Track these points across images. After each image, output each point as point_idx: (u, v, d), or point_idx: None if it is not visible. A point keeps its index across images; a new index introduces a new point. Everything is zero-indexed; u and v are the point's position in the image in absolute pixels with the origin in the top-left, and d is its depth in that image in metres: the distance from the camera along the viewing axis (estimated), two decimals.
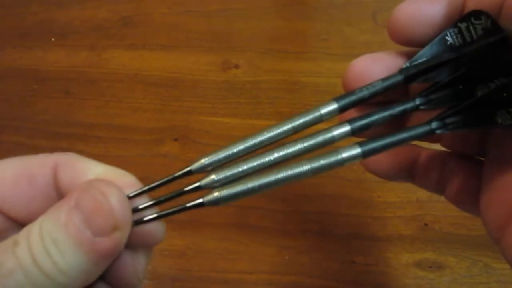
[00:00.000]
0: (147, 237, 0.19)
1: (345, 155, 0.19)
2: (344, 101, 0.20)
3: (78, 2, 0.57)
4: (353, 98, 0.20)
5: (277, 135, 0.20)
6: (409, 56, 0.22)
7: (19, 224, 0.18)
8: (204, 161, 0.19)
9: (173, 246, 0.37)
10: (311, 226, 0.37)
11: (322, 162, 0.19)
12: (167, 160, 0.42)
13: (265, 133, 0.20)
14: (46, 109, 0.47)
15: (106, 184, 0.17)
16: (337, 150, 0.19)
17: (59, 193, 0.18)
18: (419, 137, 0.20)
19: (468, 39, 0.20)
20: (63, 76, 0.50)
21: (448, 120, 0.20)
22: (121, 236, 0.17)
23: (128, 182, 0.19)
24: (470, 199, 0.22)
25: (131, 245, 0.18)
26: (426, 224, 0.37)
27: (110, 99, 0.47)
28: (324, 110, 0.20)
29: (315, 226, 0.37)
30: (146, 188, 0.19)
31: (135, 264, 0.19)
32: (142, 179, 0.43)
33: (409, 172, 0.24)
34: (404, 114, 0.21)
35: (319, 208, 0.38)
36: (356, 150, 0.19)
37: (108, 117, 0.46)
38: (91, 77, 0.49)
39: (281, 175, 0.19)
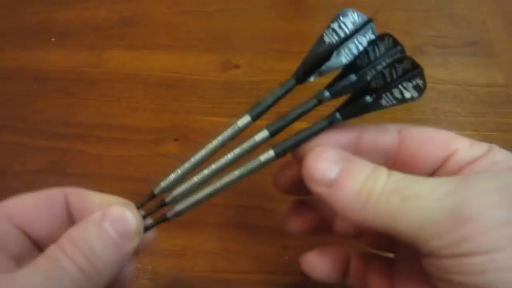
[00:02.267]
0: (146, 241, 0.24)
1: (262, 158, 0.24)
2: (255, 112, 0.26)
3: (78, 2, 0.57)
4: (260, 108, 0.26)
5: (212, 151, 0.25)
6: None
7: (38, 246, 0.22)
8: (162, 184, 0.25)
9: (173, 246, 0.37)
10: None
11: (246, 168, 0.24)
12: (167, 160, 0.42)
13: (203, 151, 0.25)
14: (46, 109, 0.47)
15: (123, 204, 0.23)
16: (256, 157, 0.24)
17: (70, 216, 0.23)
18: (320, 131, 0.24)
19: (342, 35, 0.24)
20: (63, 76, 0.50)
21: (343, 111, 0.24)
22: (138, 240, 0.22)
23: (127, 203, 0.24)
24: None
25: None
26: None
27: (110, 99, 0.47)
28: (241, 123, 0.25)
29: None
30: (139, 205, 0.24)
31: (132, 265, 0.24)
32: (142, 179, 0.44)
33: (343, 273, 0.27)
34: (316, 107, 0.25)
35: None
36: (270, 153, 0.24)
37: (108, 117, 0.46)
38: (91, 77, 0.49)
39: (218, 184, 0.24)
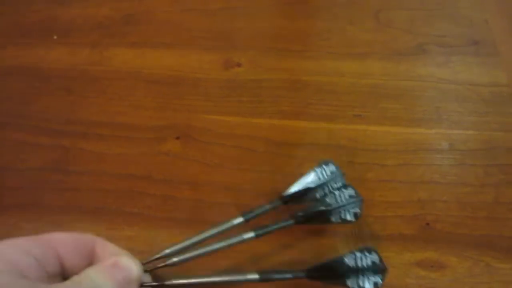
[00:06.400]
0: None
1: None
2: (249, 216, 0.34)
3: (80, 0, 0.57)
4: (254, 214, 0.34)
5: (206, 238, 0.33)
6: None
7: (65, 272, 0.27)
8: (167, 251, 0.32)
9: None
10: (313, 225, 0.37)
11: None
12: (169, 158, 0.42)
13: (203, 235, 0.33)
14: (48, 106, 0.47)
15: (131, 259, 0.28)
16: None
17: (92, 258, 0.28)
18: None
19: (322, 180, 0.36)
20: (65, 74, 0.50)
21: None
22: (137, 286, 0.28)
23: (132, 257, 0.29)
24: None
25: None
26: (427, 224, 0.37)
27: (112, 97, 0.47)
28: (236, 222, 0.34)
29: (316, 225, 0.37)
30: (144, 262, 0.30)
31: None
32: (144, 177, 0.44)
33: None
34: (292, 225, 0.34)
35: None
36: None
37: (110, 115, 0.46)
38: (93, 75, 0.49)
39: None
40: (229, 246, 0.32)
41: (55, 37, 0.53)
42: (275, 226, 0.34)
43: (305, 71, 0.46)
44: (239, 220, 0.34)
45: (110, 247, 0.29)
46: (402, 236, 0.36)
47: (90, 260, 0.28)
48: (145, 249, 0.37)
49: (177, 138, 0.43)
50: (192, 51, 0.50)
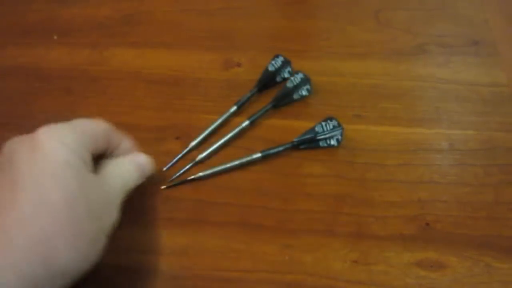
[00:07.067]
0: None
1: (254, 156, 0.40)
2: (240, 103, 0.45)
3: (80, 0, 0.57)
4: (243, 101, 0.45)
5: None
6: None
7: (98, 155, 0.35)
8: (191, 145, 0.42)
9: (175, 244, 0.37)
10: (313, 225, 0.37)
11: (243, 160, 0.40)
12: (168, 158, 0.42)
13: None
14: (48, 107, 0.47)
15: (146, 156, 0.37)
16: (251, 155, 0.40)
17: (112, 146, 0.36)
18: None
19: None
20: (65, 74, 0.50)
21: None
22: (147, 175, 0.36)
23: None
24: None
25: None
26: (427, 224, 0.37)
27: (111, 97, 0.47)
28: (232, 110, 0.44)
29: (316, 225, 0.37)
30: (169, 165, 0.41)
31: None
32: None
33: None
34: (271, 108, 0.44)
35: (321, 207, 0.38)
36: (258, 154, 0.40)
37: (110, 115, 0.46)
38: (93, 75, 0.49)
39: (227, 166, 0.40)
40: (235, 136, 0.42)
41: (55, 37, 0.53)
42: (260, 112, 0.43)
43: (305, 71, 0.46)
44: (234, 108, 0.44)
45: (123, 137, 0.37)
46: (402, 236, 0.36)
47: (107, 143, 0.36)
48: (147, 248, 0.37)
49: (177, 138, 0.43)
50: (192, 51, 0.50)
